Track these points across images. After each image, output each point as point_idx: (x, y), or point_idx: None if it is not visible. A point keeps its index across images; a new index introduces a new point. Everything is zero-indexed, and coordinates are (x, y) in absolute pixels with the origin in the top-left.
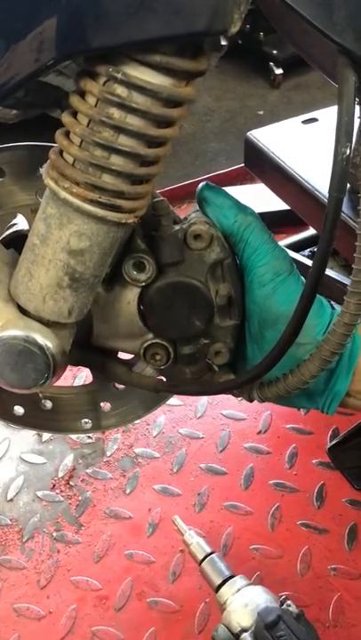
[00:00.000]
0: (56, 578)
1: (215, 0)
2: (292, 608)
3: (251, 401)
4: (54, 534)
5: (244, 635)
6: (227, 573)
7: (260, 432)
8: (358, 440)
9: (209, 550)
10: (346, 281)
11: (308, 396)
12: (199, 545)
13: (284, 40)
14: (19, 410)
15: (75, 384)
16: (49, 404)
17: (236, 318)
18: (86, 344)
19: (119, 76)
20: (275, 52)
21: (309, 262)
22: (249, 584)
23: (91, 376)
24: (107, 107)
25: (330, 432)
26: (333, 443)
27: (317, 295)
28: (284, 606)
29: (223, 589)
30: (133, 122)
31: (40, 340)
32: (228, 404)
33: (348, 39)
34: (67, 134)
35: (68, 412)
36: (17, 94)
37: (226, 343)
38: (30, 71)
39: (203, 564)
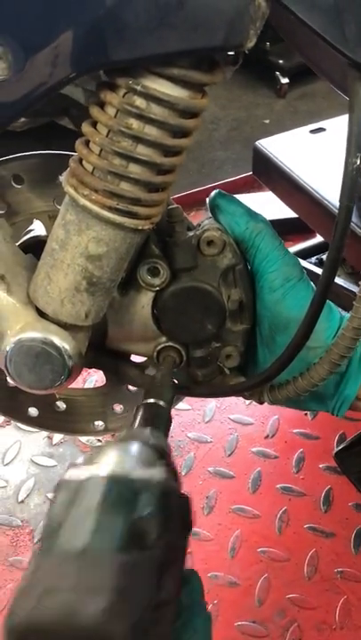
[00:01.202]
0: None
1: (232, 16)
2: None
3: (261, 403)
4: None
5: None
6: None
7: (267, 436)
8: None
9: None
10: (352, 288)
11: (318, 399)
12: None
13: (292, 51)
14: (33, 411)
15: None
16: (62, 406)
17: (247, 323)
18: (101, 347)
19: (138, 88)
20: (281, 61)
21: (317, 269)
22: None
23: (102, 379)
24: (126, 117)
25: (337, 437)
26: (340, 447)
27: (327, 300)
28: None
29: None
30: (151, 132)
31: (58, 341)
32: (236, 409)
33: (359, 53)
34: (86, 143)
35: (81, 413)
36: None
37: (237, 347)
38: (53, 83)
39: None
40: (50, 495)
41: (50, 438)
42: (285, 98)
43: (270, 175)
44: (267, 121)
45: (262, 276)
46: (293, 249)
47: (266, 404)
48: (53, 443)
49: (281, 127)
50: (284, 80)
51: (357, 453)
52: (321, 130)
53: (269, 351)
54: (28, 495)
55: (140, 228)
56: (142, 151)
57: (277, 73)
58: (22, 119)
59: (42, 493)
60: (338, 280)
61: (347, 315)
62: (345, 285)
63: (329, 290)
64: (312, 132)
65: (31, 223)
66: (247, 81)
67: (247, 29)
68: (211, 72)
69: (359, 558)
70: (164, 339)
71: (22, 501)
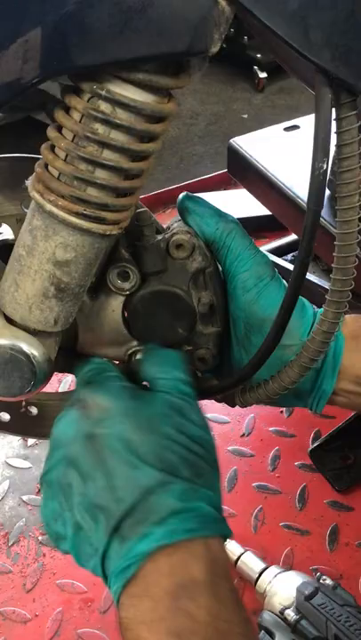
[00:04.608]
0: (42, 581)
1: (196, 22)
2: (328, 581)
3: (233, 406)
4: (40, 538)
5: (288, 611)
6: (262, 565)
7: (243, 435)
8: (339, 443)
9: (241, 550)
10: (327, 285)
11: (295, 396)
12: (231, 547)
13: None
14: (4, 416)
15: (60, 388)
16: (35, 411)
17: (218, 325)
18: (72, 351)
19: (103, 92)
20: (259, 55)
21: (292, 267)
22: (283, 570)
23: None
24: (91, 122)
25: (312, 435)
26: (315, 445)
27: (299, 297)
28: (320, 580)
29: (261, 579)
30: (117, 137)
31: (26, 348)
32: (212, 408)
33: (324, 58)
34: (52, 148)
35: (54, 417)
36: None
37: (209, 350)
38: (16, 88)
39: (238, 562)
40: (25, 497)
41: (25, 440)
42: (263, 92)
43: (245, 173)
44: (245, 115)
45: (235, 276)
46: (269, 246)
47: None
48: (28, 444)
49: (259, 121)
50: (263, 74)
51: (332, 451)
52: (295, 127)
53: (245, 352)
54: (2, 498)
55: (107, 233)
56: (109, 156)
57: (255, 67)
58: None
59: (17, 496)
60: (313, 277)
61: (320, 310)
62: (320, 283)
63: (299, 293)
64: (286, 129)
65: None
66: (226, 75)
67: (211, 34)
68: (177, 76)
69: (334, 555)
70: (135, 343)
71: None
